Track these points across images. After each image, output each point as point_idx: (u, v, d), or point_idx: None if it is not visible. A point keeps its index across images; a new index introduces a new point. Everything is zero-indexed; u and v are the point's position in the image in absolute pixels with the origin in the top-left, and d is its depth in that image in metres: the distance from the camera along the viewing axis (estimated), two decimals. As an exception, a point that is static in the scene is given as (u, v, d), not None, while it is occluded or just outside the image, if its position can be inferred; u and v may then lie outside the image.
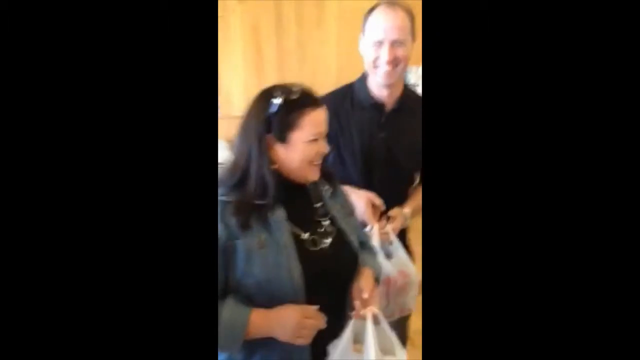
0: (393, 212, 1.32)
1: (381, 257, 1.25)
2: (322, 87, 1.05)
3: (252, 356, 0.91)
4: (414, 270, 1.31)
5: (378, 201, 1.23)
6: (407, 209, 1.34)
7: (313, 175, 0.94)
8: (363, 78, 1.29)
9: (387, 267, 1.27)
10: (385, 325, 0.95)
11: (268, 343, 0.87)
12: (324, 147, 0.92)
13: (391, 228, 1.29)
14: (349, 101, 1.29)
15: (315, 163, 0.93)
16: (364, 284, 0.94)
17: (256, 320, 0.82)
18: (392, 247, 1.30)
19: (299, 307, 0.85)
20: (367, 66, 1.25)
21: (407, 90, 1.38)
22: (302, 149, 0.90)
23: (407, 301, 1.36)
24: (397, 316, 1.39)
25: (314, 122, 0.89)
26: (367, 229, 1.24)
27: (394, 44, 1.16)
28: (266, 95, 0.90)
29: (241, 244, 0.85)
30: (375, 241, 1.22)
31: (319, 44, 4.42)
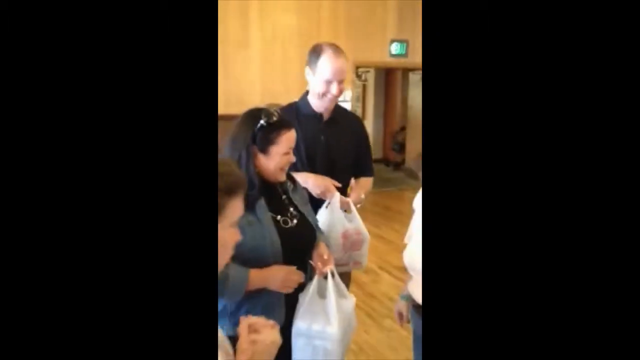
0: (352, 187, 1.65)
1: (342, 217, 1.57)
2: (249, 103, 1.31)
3: (241, 307, 1.19)
4: (367, 232, 1.64)
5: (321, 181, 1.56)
6: (356, 192, 1.70)
7: (282, 177, 1.24)
8: (305, 96, 1.63)
9: (347, 224, 1.57)
10: (337, 279, 1.24)
11: (252, 297, 1.18)
12: (292, 158, 1.23)
13: (350, 200, 1.64)
14: (294, 113, 1.61)
15: (284, 169, 1.24)
16: (322, 250, 1.29)
17: (254, 276, 1.14)
18: (351, 215, 1.60)
19: (285, 267, 1.18)
20: (315, 93, 1.57)
21: (337, 106, 1.72)
22: (278, 159, 1.19)
23: (360, 255, 1.65)
24: (350, 267, 1.68)
25: (288, 140, 1.19)
26: (327, 200, 1.59)
27: (340, 82, 1.56)
28: (252, 114, 1.19)
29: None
30: (336, 204, 1.53)
31: (244, 63, 4.66)
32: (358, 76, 6.44)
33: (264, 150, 1.18)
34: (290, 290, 1.16)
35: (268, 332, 0.80)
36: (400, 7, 5.23)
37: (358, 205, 1.64)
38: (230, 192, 0.74)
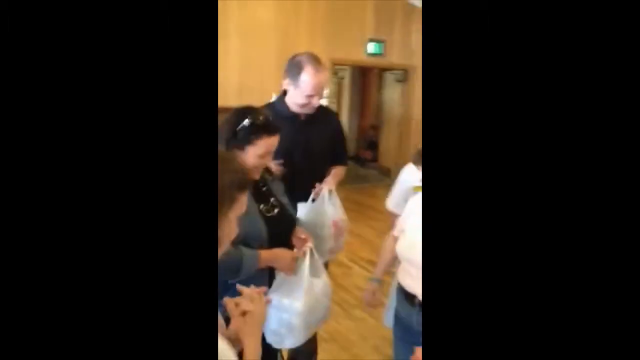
0: (326, 179, 1.76)
1: (331, 208, 1.66)
2: (225, 97, 1.37)
3: (229, 288, 1.19)
4: (346, 217, 1.73)
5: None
6: (330, 179, 1.78)
7: (256, 176, 1.30)
8: (281, 97, 1.68)
9: (333, 212, 1.65)
10: (316, 258, 1.33)
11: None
12: (268, 162, 1.31)
13: (325, 186, 1.70)
14: (272, 113, 1.66)
15: (258, 170, 1.31)
16: (299, 232, 1.41)
17: (264, 256, 1.25)
18: (333, 200, 1.67)
19: (290, 251, 1.32)
20: (295, 104, 1.66)
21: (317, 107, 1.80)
22: (252, 161, 1.25)
23: (342, 241, 1.75)
24: (335, 253, 1.78)
25: (267, 145, 1.25)
26: (313, 194, 1.67)
27: (321, 96, 1.68)
28: (240, 112, 1.26)
29: None
30: (325, 197, 1.63)
31: (221, 56, 4.64)
32: (334, 73, 6.52)
33: (242, 148, 1.23)
34: (289, 272, 1.29)
35: (257, 302, 0.85)
36: (378, 7, 5.32)
37: (332, 190, 1.70)
38: (241, 187, 0.79)
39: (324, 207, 1.63)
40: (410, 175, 1.82)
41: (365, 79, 7.76)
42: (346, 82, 7.83)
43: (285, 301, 1.24)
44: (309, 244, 1.33)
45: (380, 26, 5.39)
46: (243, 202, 0.80)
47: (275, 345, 1.28)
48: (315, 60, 1.63)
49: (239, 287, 0.90)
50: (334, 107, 6.14)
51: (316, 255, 1.35)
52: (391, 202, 1.94)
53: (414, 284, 1.32)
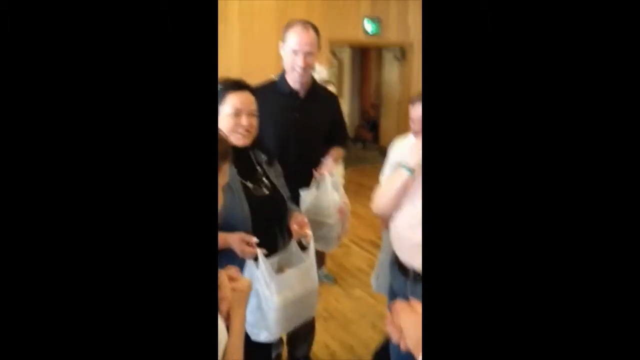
0: (326, 162, 1.76)
1: (335, 195, 1.66)
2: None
3: (220, 263, 1.22)
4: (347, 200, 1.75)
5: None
6: (330, 161, 1.78)
7: (236, 141, 1.26)
8: (282, 74, 1.69)
9: (337, 198, 1.65)
10: (311, 249, 1.30)
11: (230, 255, 1.22)
12: (244, 120, 1.25)
13: (325, 170, 1.70)
14: (272, 90, 1.68)
15: (237, 131, 1.26)
16: (298, 216, 1.37)
17: (219, 238, 1.17)
18: (335, 184, 1.67)
19: (240, 234, 1.22)
20: (287, 66, 1.64)
21: (314, 84, 1.79)
22: (225, 120, 1.25)
23: (348, 225, 1.76)
24: (342, 238, 1.79)
25: (234, 100, 1.24)
26: (314, 180, 1.64)
27: (306, 54, 1.60)
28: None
29: None
30: (328, 184, 1.62)
31: (222, 39, 4.63)
32: (333, 54, 6.47)
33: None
34: (248, 257, 1.21)
35: (244, 280, 0.90)
36: (374, -15, 5.26)
37: (333, 174, 1.71)
38: (223, 157, 0.81)
39: (328, 194, 1.63)
40: (398, 151, 1.81)
41: (364, 58, 7.70)
42: (346, 64, 7.77)
43: (265, 292, 1.20)
44: (308, 232, 1.31)
45: (376, 5, 5.33)
46: (224, 172, 0.83)
47: (252, 337, 1.25)
48: (306, 22, 1.64)
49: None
50: (334, 89, 6.12)
51: (311, 247, 1.32)
52: (384, 174, 1.94)
53: (410, 254, 1.32)
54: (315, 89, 1.75)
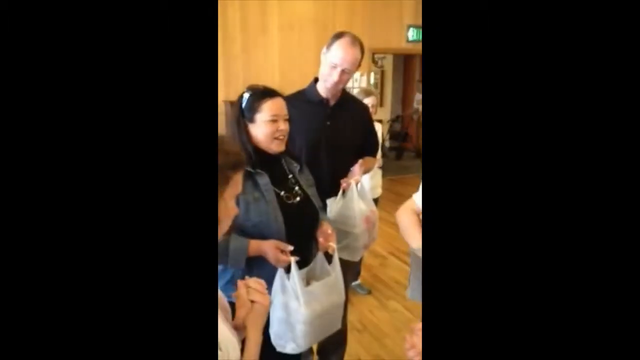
0: (353, 170, 1.73)
1: (361, 204, 1.63)
2: None
3: (251, 271, 1.22)
4: (374, 206, 1.70)
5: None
6: (357, 169, 1.73)
7: (276, 147, 1.29)
8: (313, 83, 1.69)
9: (363, 207, 1.63)
10: (336, 261, 1.28)
11: (257, 267, 1.22)
12: (282, 125, 1.28)
13: (353, 179, 1.67)
14: (302, 99, 1.76)
15: (277, 137, 1.28)
16: (325, 227, 1.37)
17: (253, 245, 1.23)
18: (362, 193, 1.64)
19: (275, 242, 1.24)
20: (322, 74, 1.64)
21: (345, 94, 1.79)
22: (264, 126, 1.26)
23: (375, 230, 1.72)
24: (370, 245, 1.74)
25: (271, 107, 1.26)
26: (342, 189, 1.60)
27: (344, 71, 1.60)
28: (241, 94, 1.31)
29: (241, 199, 1.23)
30: (354, 193, 1.59)
31: (262, 49, 4.73)
32: (374, 62, 6.45)
33: (252, 119, 1.26)
34: (281, 265, 1.21)
35: (262, 292, 0.89)
36: (417, -8, 5.21)
37: (359, 182, 1.68)
38: (235, 167, 0.83)
39: (353, 203, 1.61)
40: None
41: (407, 66, 7.62)
42: (388, 71, 7.72)
43: (293, 305, 1.19)
44: (333, 245, 1.31)
45: (420, 12, 5.27)
46: (237, 182, 0.84)
47: (278, 349, 1.24)
48: (353, 37, 1.62)
49: (239, 282, 0.91)
50: (375, 99, 6.08)
51: (335, 260, 1.30)
52: (417, 197, 1.91)
53: None
54: (346, 99, 1.74)
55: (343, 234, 1.63)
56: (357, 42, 1.61)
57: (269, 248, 1.22)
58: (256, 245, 1.23)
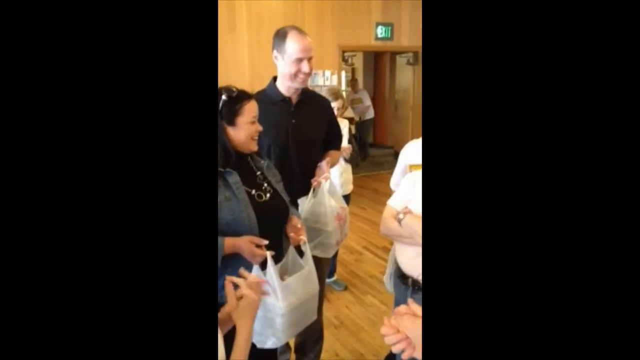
0: (321, 166, 1.77)
1: (331, 201, 1.64)
2: (238, 86, 1.39)
3: (222, 273, 1.24)
4: (344, 202, 1.74)
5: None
6: (325, 165, 1.78)
7: (253, 147, 1.33)
8: (272, 83, 1.69)
9: (334, 204, 1.64)
10: (308, 253, 1.30)
11: (233, 264, 1.24)
12: (258, 127, 1.33)
13: (322, 176, 1.70)
14: (265, 99, 1.70)
15: (254, 137, 1.33)
16: (295, 221, 1.39)
17: (227, 243, 1.23)
18: (332, 189, 1.66)
19: (250, 237, 1.24)
20: (285, 74, 1.63)
21: (304, 90, 1.79)
22: (246, 129, 1.28)
23: (347, 226, 1.75)
24: (342, 241, 1.76)
25: (250, 109, 1.29)
26: (312, 188, 1.63)
27: (309, 60, 1.62)
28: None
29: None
30: (324, 191, 1.62)
31: (232, 47, 4.68)
32: (345, 60, 6.47)
33: (231, 122, 1.26)
34: (257, 261, 1.22)
35: (255, 290, 0.88)
36: (385, -10, 5.25)
37: (328, 179, 1.69)
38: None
39: (325, 200, 1.63)
40: (408, 153, 1.79)
41: (377, 64, 7.68)
42: (359, 69, 7.77)
43: (270, 300, 1.20)
44: (303, 238, 1.33)
45: (388, 10, 5.32)
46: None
47: (259, 345, 1.25)
48: (296, 27, 1.64)
49: (241, 271, 0.95)
50: (346, 100, 6.12)
51: (307, 253, 1.32)
52: (392, 181, 1.91)
53: (409, 265, 1.34)
54: (307, 95, 1.75)
55: (315, 231, 1.64)
56: (300, 30, 1.63)
57: (244, 244, 1.22)
58: (231, 242, 1.23)
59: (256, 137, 1.32)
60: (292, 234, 1.36)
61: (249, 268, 1.23)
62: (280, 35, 1.63)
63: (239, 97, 1.27)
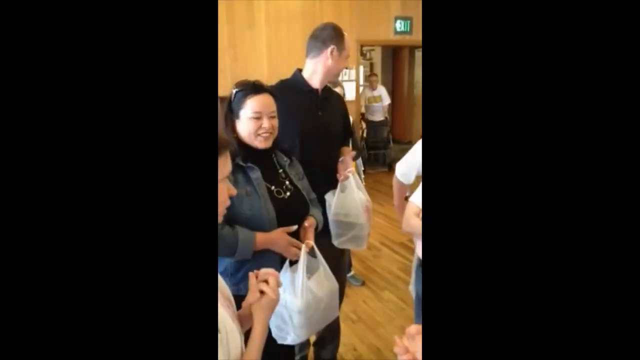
0: (344, 160, 1.79)
1: (361, 195, 1.66)
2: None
3: (241, 268, 1.26)
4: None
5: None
6: (349, 160, 1.80)
7: (259, 144, 1.28)
8: (299, 72, 1.68)
9: (362, 197, 1.66)
10: (318, 253, 1.29)
11: (254, 259, 1.22)
12: (265, 123, 1.27)
13: (347, 171, 1.71)
14: (292, 89, 1.63)
15: (260, 134, 1.27)
16: (308, 222, 1.36)
17: (260, 238, 1.24)
18: (358, 183, 1.68)
19: (287, 236, 1.26)
20: (336, 70, 1.66)
21: (325, 86, 1.81)
22: (247, 123, 1.26)
23: (370, 223, 1.73)
24: (368, 233, 1.75)
25: (254, 103, 1.26)
26: (340, 184, 1.65)
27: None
28: (231, 89, 1.31)
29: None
30: (353, 186, 1.64)
31: (250, 43, 4.70)
32: (363, 55, 6.43)
33: (237, 115, 1.27)
34: (292, 256, 1.24)
35: (272, 284, 0.88)
36: (404, -16, 5.20)
37: (354, 173, 1.71)
38: (219, 150, 0.82)
39: (354, 194, 1.63)
40: (419, 150, 1.76)
41: (396, 58, 7.62)
42: (377, 63, 7.72)
43: (287, 297, 1.21)
44: (310, 242, 1.30)
45: (407, 4, 5.26)
46: (224, 165, 0.83)
47: (279, 341, 1.26)
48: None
49: (256, 272, 0.94)
50: (342, 89, 6.07)
51: (318, 253, 1.31)
52: (399, 169, 1.84)
53: None
54: (326, 89, 1.75)
55: (348, 225, 1.65)
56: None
57: (280, 239, 1.24)
58: (263, 238, 1.24)
59: (264, 134, 1.28)
60: (302, 232, 1.35)
61: (273, 264, 1.24)
62: (337, 31, 1.64)
63: (248, 90, 1.27)
